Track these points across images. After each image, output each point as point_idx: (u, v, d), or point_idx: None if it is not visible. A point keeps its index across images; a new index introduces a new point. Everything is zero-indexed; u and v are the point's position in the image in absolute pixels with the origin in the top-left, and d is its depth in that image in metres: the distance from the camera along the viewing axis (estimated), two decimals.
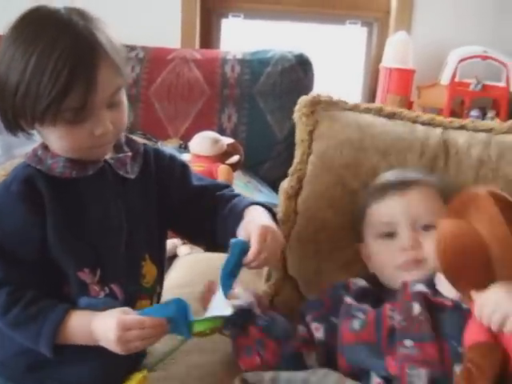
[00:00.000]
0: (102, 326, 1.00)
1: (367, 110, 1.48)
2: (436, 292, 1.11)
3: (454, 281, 1.04)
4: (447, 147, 1.39)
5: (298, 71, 2.57)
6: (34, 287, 1.04)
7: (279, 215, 1.39)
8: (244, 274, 1.09)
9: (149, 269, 1.15)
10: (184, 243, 1.94)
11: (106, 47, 1.01)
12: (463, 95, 3.04)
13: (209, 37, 3.31)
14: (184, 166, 1.25)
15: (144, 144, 1.21)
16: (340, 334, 1.12)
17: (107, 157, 1.11)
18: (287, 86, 2.55)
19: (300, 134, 1.43)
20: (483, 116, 3.00)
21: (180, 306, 1.01)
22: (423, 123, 1.46)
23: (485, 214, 1.03)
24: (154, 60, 2.51)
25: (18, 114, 1.01)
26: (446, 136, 1.42)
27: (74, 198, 1.08)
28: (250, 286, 1.27)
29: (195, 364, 1.18)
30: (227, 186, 1.27)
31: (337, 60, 3.36)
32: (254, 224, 1.06)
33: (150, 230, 1.17)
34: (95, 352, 1.03)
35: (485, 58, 3.02)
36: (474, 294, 1.00)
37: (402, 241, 1.20)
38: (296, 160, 1.42)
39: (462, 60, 2.99)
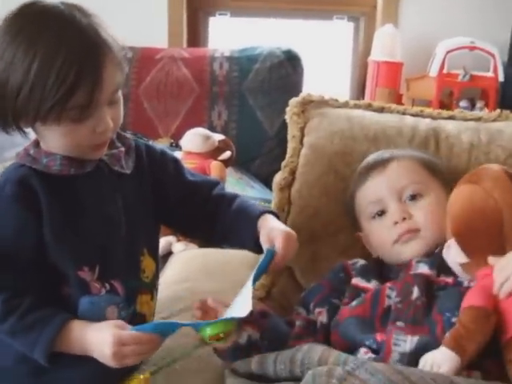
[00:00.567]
0: (98, 339, 1.00)
1: (357, 106, 1.51)
2: (440, 270, 1.12)
3: (466, 244, 1.06)
4: (437, 132, 1.41)
5: (287, 67, 2.57)
6: (30, 293, 1.02)
7: (273, 207, 1.40)
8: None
9: (148, 263, 1.15)
10: (179, 240, 1.94)
11: (110, 44, 1.01)
12: (452, 86, 3.05)
13: (196, 35, 3.31)
14: (176, 161, 1.25)
15: (134, 139, 1.20)
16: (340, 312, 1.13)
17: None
18: (276, 82, 2.55)
19: (291, 131, 1.46)
20: (472, 107, 3.00)
21: (171, 323, 1.03)
22: (412, 115, 1.49)
23: (498, 183, 1.09)
24: (142, 60, 2.51)
25: (18, 113, 0.99)
26: (436, 124, 1.44)
27: (72, 196, 1.07)
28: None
29: (193, 357, 1.18)
30: (218, 183, 1.28)
31: (325, 55, 3.36)
32: (278, 231, 1.11)
33: (148, 224, 1.18)
34: None
35: (472, 48, 3.03)
36: (491, 259, 1.03)
37: (392, 215, 1.21)
38: (288, 154, 1.45)
39: (449, 51, 3.00)
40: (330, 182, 1.38)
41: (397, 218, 1.20)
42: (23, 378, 1.09)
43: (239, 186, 2.22)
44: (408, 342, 0.99)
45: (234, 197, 1.23)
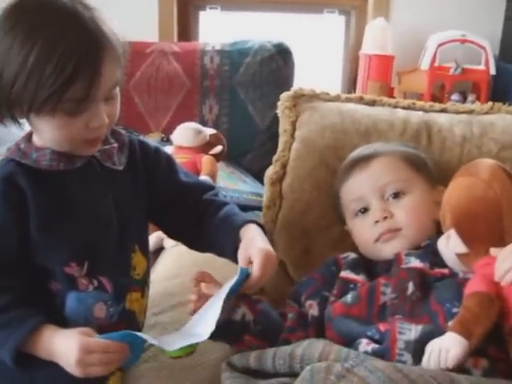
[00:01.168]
0: (63, 346, 0.98)
1: (348, 100, 1.51)
2: (434, 262, 1.11)
3: (466, 234, 1.07)
4: (429, 125, 1.41)
5: (278, 60, 2.55)
6: (11, 291, 1.01)
7: (265, 201, 1.39)
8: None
9: (139, 260, 1.15)
10: None
11: (111, 39, 1.00)
12: (443, 79, 3.05)
13: (187, 30, 3.30)
14: (169, 159, 1.25)
15: (128, 135, 1.19)
16: (331, 307, 1.12)
17: None
18: (267, 75, 2.53)
19: (283, 125, 1.46)
20: (464, 100, 3.01)
21: (139, 336, 0.99)
22: (404, 108, 1.49)
23: (496, 175, 1.10)
24: (132, 54, 2.48)
25: (13, 103, 0.98)
26: (428, 117, 1.44)
27: (60, 192, 1.06)
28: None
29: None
30: (212, 188, 1.27)
31: (316, 49, 3.36)
32: (257, 249, 1.07)
33: (140, 220, 1.17)
34: None
35: (463, 41, 3.03)
36: (493, 250, 1.03)
37: (374, 214, 1.21)
38: (279, 148, 1.44)
39: (440, 44, 3.00)
40: (321, 175, 1.37)
41: (378, 216, 1.20)
42: (10, 372, 1.05)
43: (231, 181, 2.21)
44: (413, 330, 0.98)
45: (223, 204, 1.21)
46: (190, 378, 1.10)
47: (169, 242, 1.89)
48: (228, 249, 1.13)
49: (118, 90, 1.06)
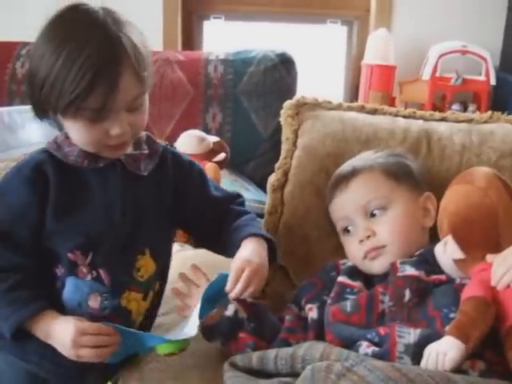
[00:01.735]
0: (60, 328, 1.06)
1: (350, 108, 1.53)
2: (431, 269, 1.13)
3: (463, 240, 1.09)
4: (429, 134, 1.42)
5: (281, 70, 2.58)
6: (22, 270, 1.10)
7: (266, 208, 1.41)
8: None
9: (145, 263, 1.18)
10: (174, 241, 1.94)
11: (131, 56, 1.04)
12: (444, 90, 3.07)
13: (191, 39, 3.33)
14: (201, 173, 1.29)
15: (164, 146, 1.26)
16: (329, 310, 1.14)
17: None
18: (270, 85, 2.56)
19: (285, 133, 1.48)
20: (464, 110, 3.03)
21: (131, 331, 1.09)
22: (404, 116, 1.50)
23: (492, 183, 1.13)
24: None
25: (43, 103, 1.08)
26: (428, 125, 1.46)
27: (80, 187, 1.14)
28: None
29: (190, 352, 1.19)
30: (238, 197, 1.32)
31: (318, 59, 3.38)
32: (235, 259, 1.12)
33: (156, 226, 1.21)
34: None
35: (464, 52, 3.05)
36: (490, 257, 1.05)
37: (357, 233, 1.23)
38: (282, 156, 1.46)
39: (442, 55, 3.03)
40: (321, 182, 1.39)
41: (361, 236, 1.21)
42: (9, 344, 1.13)
43: (234, 188, 2.22)
44: (412, 334, 0.99)
45: (242, 213, 1.26)
46: (193, 378, 1.12)
47: (173, 247, 1.91)
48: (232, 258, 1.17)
49: (144, 100, 1.12)
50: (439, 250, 1.12)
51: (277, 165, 1.44)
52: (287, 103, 1.50)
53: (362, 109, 1.52)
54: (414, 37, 3.20)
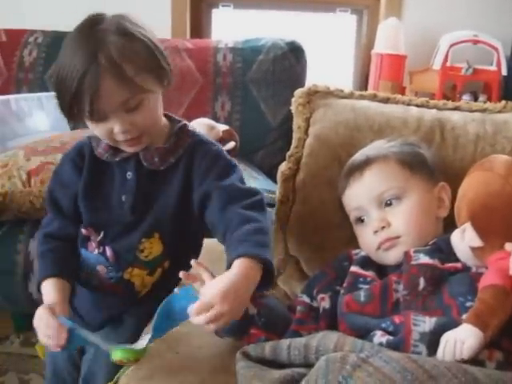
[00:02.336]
0: (45, 299, 1.23)
1: (362, 97, 1.51)
2: (445, 257, 1.11)
3: (482, 228, 1.07)
4: (443, 123, 1.40)
5: (291, 58, 2.56)
6: (61, 238, 1.31)
7: (278, 197, 1.40)
8: None
9: (151, 245, 1.26)
10: None
11: (115, 64, 1.11)
12: (455, 80, 3.05)
13: (199, 27, 3.31)
14: (225, 168, 1.24)
15: (198, 138, 1.29)
16: (342, 300, 1.13)
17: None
18: (280, 73, 2.54)
19: (297, 121, 1.46)
20: (475, 100, 3.01)
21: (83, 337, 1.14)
22: (417, 105, 1.49)
23: (511, 170, 1.11)
24: None
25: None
26: (441, 115, 1.44)
27: (105, 174, 1.28)
28: None
29: (199, 345, 1.18)
30: (255, 194, 1.20)
31: (328, 48, 3.37)
32: (213, 287, 1.01)
33: (170, 214, 1.25)
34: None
35: (475, 42, 3.03)
36: (508, 245, 1.03)
37: (372, 224, 1.21)
38: (293, 144, 1.45)
39: (453, 45, 3.00)
40: (334, 172, 1.37)
41: (375, 227, 1.20)
42: None
43: None
44: (427, 322, 0.98)
45: (247, 220, 1.12)
46: (204, 368, 1.11)
47: None
48: None
49: (142, 100, 1.16)
50: (456, 238, 1.10)
51: (288, 153, 1.42)
52: (298, 91, 1.48)
53: (374, 97, 1.50)
54: (424, 26, 3.18)
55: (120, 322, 1.32)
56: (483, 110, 1.46)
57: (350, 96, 1.51)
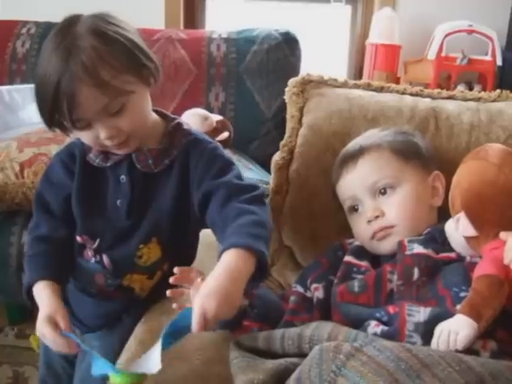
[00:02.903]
0: (43, 304, 1.14)
1: (356, 86, 1.50)
2: (439, 247, 1.11)
3: (476, 217, 1.06)
4: (437, 112, 1.40)
5: (285, 49, 2.55)
6: (52, 241, 1.23)
7: (271, 186, 1.39)
8: None
9: (149, 251, 1.22)
10: None
11: (90, 69, 1.05)
12: (449, 70, 3.04)
13: (193, 17, 3.29)
14: (223, 167, 1.20)
15: (194, 137, 1.23)
16: (336, 290, 1.12)
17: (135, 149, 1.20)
18: (274, 64, 2.53)
19: (290, 111, 1.46)
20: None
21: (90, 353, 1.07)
22: (411, 94, 1.48)
23: (506, 160, 1.10)
24: None
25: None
26: (436, 104, 1.44)
27: (98, 179, 1.22)
28: None
29: (192, 335, 1.17)
30: (254, 189, 1.16)
31: (322, 38, 3.35)
32: (199, 295, 0.96)
33: (167, 217, 1.21)
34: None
35: (470, 32, 3.02)
36: (503, 234, 1.02)
37: (366, 213, 1.21)
38: (287, 134, 1.44)
39: (447, 35, 2.99)
40: (327, 161, 1.36)
41: (369, 216, 1.19)
42: None
43: None
44: (422, 312, 0.97)
45: (242, 213, 1.08)
46: (198, 358, 1.10)
47: None
48: None
49: (125, 103, 1.10)
50: (450, 227, 1.10)
51: (282, 143, 1.42)
52: (292, 81, 1.48)
53: (368, 86, 1.50)
54: (419, 16, 3.17)
55: (118, 321, 1.30)
56: (478, 99, 1.46)
57: (344, 85, 1.50)
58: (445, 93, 1.49)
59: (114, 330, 1.28)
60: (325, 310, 1.13)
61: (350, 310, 1.08)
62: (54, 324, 1.10)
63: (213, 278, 0.97)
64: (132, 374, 1.00)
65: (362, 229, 1.21)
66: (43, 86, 1.08)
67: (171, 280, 1.04)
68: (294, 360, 0.94)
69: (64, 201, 1.24)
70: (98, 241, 1.22)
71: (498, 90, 1.47)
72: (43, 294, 1.15)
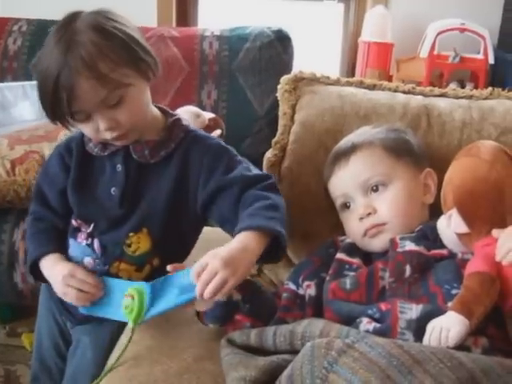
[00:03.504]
0: (58, 268, 1.22)
1: (348, 84, 1.50)
2: (431, 244, 1.11)
3: (468, 214, 1.06)
4: (429, 110, 1.40)
5: (277, 47, 2.54)
6: (47, 221, 1.31)
7: None
8: None
9: (140, 241, 1.24)
10: None
11: (89, 63, 1.09)
12: (442, 68, 3.05)
13: (185, 15, 3.29)
14: (230, 162, 1.23)
15: (192, 132, 1.28)
16: (328, 287, 1.12)
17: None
18: (266, 61, 2.52)
19: (283, 108, 1.46)
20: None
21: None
22: (404, 92, 1.48)
23: (498, 157, 1.10)
24: None
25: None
26: (428, 101, 1.44)
27: (95, 168, 1.27)
28: None
29: (183, 333, 1.18)
30: (267, 178, 1.22)
31: (315, 36, 3.35)
32: (205, 255, 1.03)
33: (160, 209, 1.23)
34: None
35: (463, 30, 3.03)
36: (495, 232, 1.02)
37: (357, 210, 1.21)
38: (279, 131, 1.44)
39: (440, 33, 3.00)
40: (319, 158, 1.36)
41: (361, 213, 1.19)
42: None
43: None
44: (414, 310, 0.98)
45: (258, 198, 1.14)
46: (189, 354, 1.10)
47: None
48: None
49: (124, 96, 1.14)
50: (442, 224, 1.09)
51: (274, 140, 1.42)
52: (284, 78, 1.48)
53: (360, 84, 1.50)
54: (411, 14, 3.17)
55: None
56: (470, 97, 1.46)
57: (337, 82, 1.50)
58: (437, 90, 1.49)
59: (103, 325, 1.29)
60: (317, 308, 1.13)
61: (341, 307, 1.07)
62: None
63: (222, 247, 1.03)
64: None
65: (354, 226, 1.21)
66: (44, 79, 1.12)
67: (168, 267, 1.09)
68: (286, 357, 0.94)
69: (59, 194, 1.29)
70: (92, 225, 1.25)
71: (490, 88, 1.47)
72: (55, 263, 1.24)
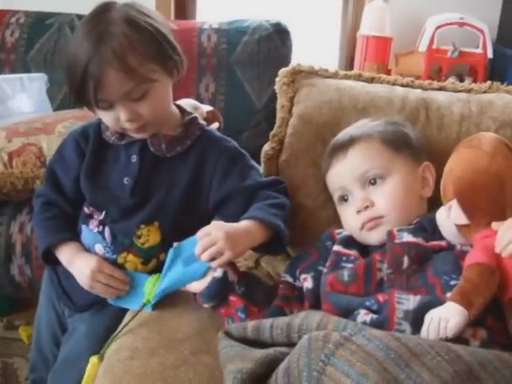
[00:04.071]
0: (83, 261, 1.26)
1: (347, 77, 1.50)
2: (429, 236, 1.10)
3: (468, 205, 1.06)
4: (428, 103, 1.40)
5: (276, 40, 2.53)
6: (59, 207, 1.34)
7: None
8: None
9: (150, 233, 1.26)
10: None
11: (119, 54, 1.12)
12: (440, 62, 3.04)
13: (184, 8, 3.28)
14: (244, 168, 1.29)
15: (209, 131, 1.34)
16: (326, 280, 1.11)
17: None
18: (265, 54, 2.51)
19: (280, 101, 1.45)
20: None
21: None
22: (402, 85, 1.48)
23: (498, 148, 1.10)
24: None
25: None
26: (427, 95, 1.43)
27: (110, 156, 1.29)
28: None
29: (180, 325, 1.17)
30: (278, 183, 1.30)
31: (314, 30, 3.34)
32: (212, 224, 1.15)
33: (173, 203, 1.26)
34: None
35: (462, 24, 3.02)
36: (495, 224, 1.02)
37: (355, 203, 1.21)
38: (277, 124, 1.44)
39: (439, 27, 2.99)
40: (317, 151, 1.36)
41: (359, 206, 1.19)
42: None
43: None
44: (411, 300, 0.97)
45: (269, 197, 1.23)
46: (186, 346, 1.10)
47: None
48: None
49: (148, 90, 1.17)
50: (442, 215, 1.09)
51: (272, 133, 1.41)
52: (283, 71, 1.47)
53: (359, 77, 1.50)
54: (410, 8, 3.16)
55: (106, 306, 1.31)
56: (468, 91, 1.46)
57: (335, 75, 1.50)
58: (436, 84, 1.49)
59: (101, 315, 1.32)
60: (315, 301, 1.13)
61: (340, 300, 1.07)
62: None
63: (227, 223, 1.13)
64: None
65: (352, 219, 1.21)
66: (73, 66, 1.15)
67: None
68: (283, 349, 0.93)
69: (73, 180, 1.31)
70: (103, 213, 1.28)
71: (489, 82, 1.47)
72: (76, 253, 1.28)
